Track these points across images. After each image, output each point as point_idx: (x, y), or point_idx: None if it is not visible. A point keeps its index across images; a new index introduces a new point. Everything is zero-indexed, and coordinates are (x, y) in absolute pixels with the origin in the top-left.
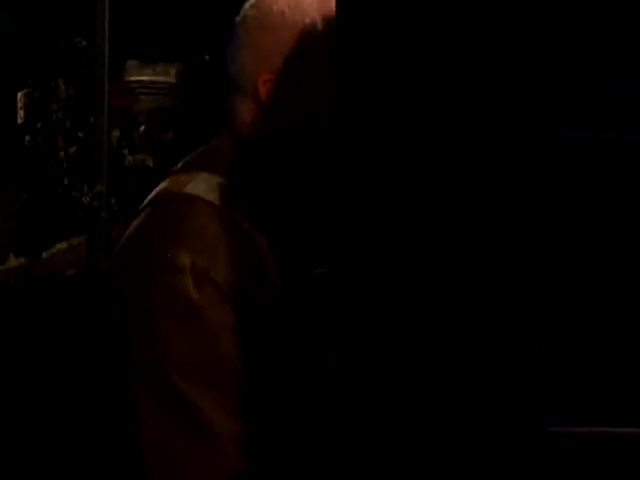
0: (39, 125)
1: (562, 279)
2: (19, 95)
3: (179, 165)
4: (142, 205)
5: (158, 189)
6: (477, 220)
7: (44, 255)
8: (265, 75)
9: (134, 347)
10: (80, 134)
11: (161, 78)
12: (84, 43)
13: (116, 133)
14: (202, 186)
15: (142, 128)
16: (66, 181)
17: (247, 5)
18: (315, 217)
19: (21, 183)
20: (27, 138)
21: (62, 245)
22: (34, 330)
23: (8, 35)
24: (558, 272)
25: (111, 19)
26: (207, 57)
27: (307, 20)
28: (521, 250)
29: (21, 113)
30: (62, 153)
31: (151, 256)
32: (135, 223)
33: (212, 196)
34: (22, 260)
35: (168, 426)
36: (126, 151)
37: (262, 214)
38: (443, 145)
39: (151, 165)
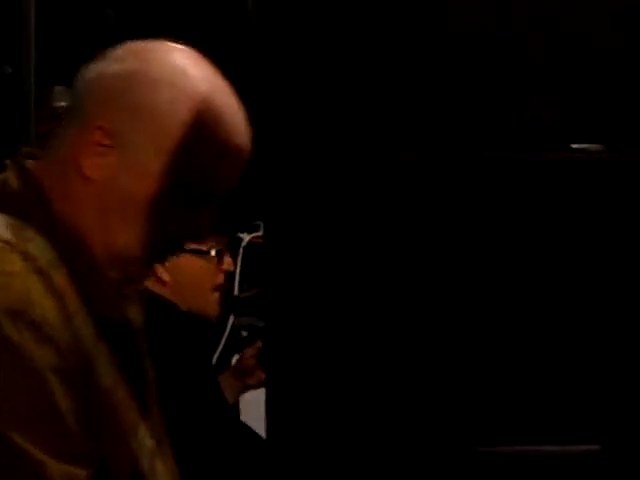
0: None
1: (484, 297)
2: None
3: None
4: None
5: None
6: (398, 237)
7: None
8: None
9: None
10: (7, 161)
11: None
12: (9, 70)
13: None
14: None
15: None
16: None
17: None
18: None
19: None
20: None
21: None
22: None
23: None
24: (480, 290)
25: (37, 46)
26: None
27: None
28: (441, 266)
29: None
30: None
31: None
32: None
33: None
34: None
35: None
36: None
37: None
38: (365, 165)
39: None
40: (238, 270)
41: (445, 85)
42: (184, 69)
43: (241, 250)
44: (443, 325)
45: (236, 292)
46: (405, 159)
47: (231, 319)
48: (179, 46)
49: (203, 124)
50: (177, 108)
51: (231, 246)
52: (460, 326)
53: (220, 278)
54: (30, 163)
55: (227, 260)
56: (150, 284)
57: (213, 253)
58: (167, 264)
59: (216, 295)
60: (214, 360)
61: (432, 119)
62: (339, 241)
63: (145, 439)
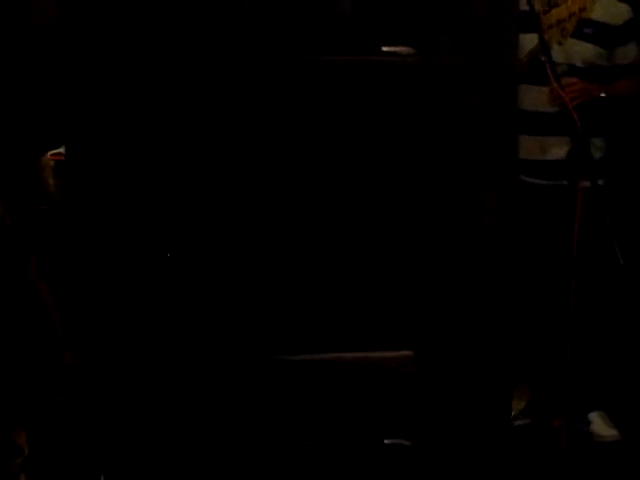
0: None
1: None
2: None
3: None
4: None
5: None
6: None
7: None
8: None
9: None
10: None
11: None
12: None
13: None
14: None
15: None
16: None
17: None
18: None
19: None
20: None
21: None
22: None
23: None
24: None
25: None
26: None
27: None
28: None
29: None
30: None
31: None
32: None
33: None
34: None
35: None
36: None
37: None
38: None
39: None
40: None
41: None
42: None
43: None
44: (241, 236)
45: None
46: (213, 61)
47: None
48: None
49: None
50: None
51: None
52: (264, 239)
53: None
54: None
55: None
56: None
57: None
58: None
59: None
60: None
61: (234, 20)
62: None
63: None
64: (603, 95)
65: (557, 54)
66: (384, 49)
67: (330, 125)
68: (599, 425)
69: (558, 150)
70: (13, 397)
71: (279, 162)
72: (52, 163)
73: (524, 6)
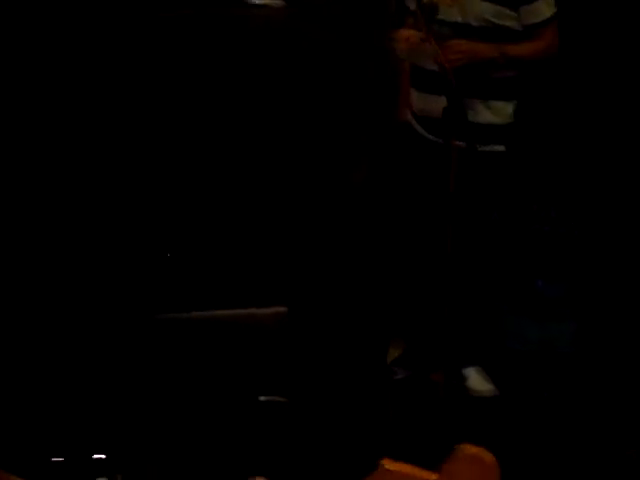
0: None
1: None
2: None
3: None
4: None
5: None
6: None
7: None
8: None
9: None
10: None
11: None
12: None
13: None
14: None
15: None
16: None
17: None
18: None
19: None
20: None
21: None
22: None
23: None
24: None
25: None
26: None
27: None
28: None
29: None
30: None
31: None
32: None
33: None
34: None
35: None
36: None
37: None
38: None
39: None
40: None
41: None
42: None
43: None
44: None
45: None
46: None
47: None
48: None
49: None
50: None
51: None
52: (131, 200)
53: None
54: None
55: None
56: None
57: None
58: None
59: None
60: None
61: None
62: None
63: None
64: (497, 57)
65: (452, 12)
66: (255, 1)
67: (206, 76)
68: (475, 380)
69: (437, 108)
70: None
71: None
72: None
73: None
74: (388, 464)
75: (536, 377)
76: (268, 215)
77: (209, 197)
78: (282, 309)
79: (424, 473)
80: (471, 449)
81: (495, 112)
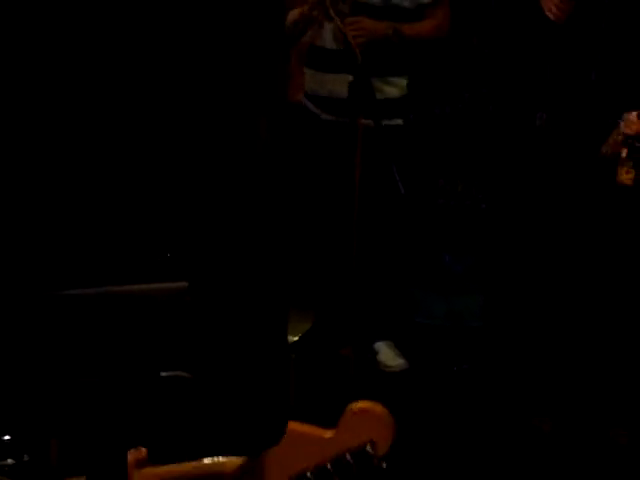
0: None
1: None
2: None
3: None
4: None
5: None
6: None
7: None
8: None
9: None
10: None
11: None
12: None
13: None
14: None
15: None
16: None
17: None
18: None
19: None
20: None
21: None
22: None
23: None
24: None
25: None
26: None
27: None
28: None
29: None
30: None
31: None
32: None
33: None
34: None
35: None
36: None
37: None
38: None
39: None
40: None
41: None
42: None
43: None
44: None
45: None
46: None
47: None
48: None
49: None
50: None
51: None
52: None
53: None
54: None
55: None
56: None
57: None
58: None
59: None
60: None
61: None
62: None
63: None
64: (391, 35)
65: None
66: None
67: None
68: (386, 355)
69: (339, 87)
70: None
71: None
72: None
73: None
74: None
75: (445, 351)
76: (163, 184)
77: (104, 165)
78: (182, 284)
79: (320, 431)
80: (363, 404)
81: (392, 87)
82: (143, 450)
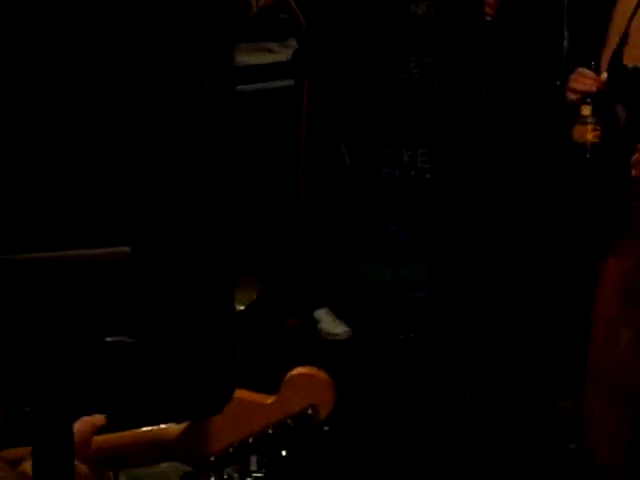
0: None
1: None
2: None
3: None
4: None
5: None
6: None
7: None
8: None
9: None
10: None
11: None
12: None
13: None
14: None
15: None
16: None
17: None
18: None
19: None
20: None
21: None
22: None
23: None
24: None
25: None
26: None
27: None
28: None
29: None
30: None
31: None
32: None
33: None
34: None
35: None
36: None
37: None
38: None
39: None
40: None
41: None
42: None
43: None
44: None
45: None
46: None
47: None
48: None
49: None
50: None
51: None
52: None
53: None
54: None
55: None
56: None
57: None
58: None
59: None
60: None
61: None
62: None
63: None
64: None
65: None
66: None
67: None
68: (327, 323)
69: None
70: None
71: None
72: None
73: None
74: None
75: (391, 320)
76: (105, 149)
77: (44, 129)
78: (125, 249)
79: (261, 397)
80: (303, 369)
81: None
82: (101, 417)
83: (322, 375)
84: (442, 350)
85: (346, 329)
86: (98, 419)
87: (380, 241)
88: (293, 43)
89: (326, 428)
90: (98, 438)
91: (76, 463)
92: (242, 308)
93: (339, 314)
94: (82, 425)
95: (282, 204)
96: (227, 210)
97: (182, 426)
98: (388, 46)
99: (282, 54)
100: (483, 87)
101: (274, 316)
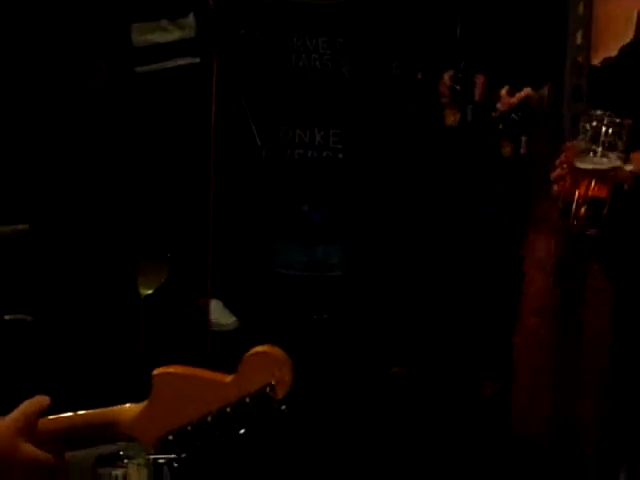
0: None
1: None
2: None
3: None
4: None
5: None
6: None
7: None
8: None
9: None
10: None
11: None
12: None
13: None
14: None
15: None
16: None
17: None
18: None
19: None
20: None
21: None
22: None
23: None
24: None
25: None
26: None
27: None
28: None
29: None
30: None
31: None
32: None
33: None
34: None
35: None
36: None
37: None
38: None
39: None
40: None
41: None
42: None
43: None
44: None
45: None
46: None
47: None
48: None
49: None
50: None
51: None
52: None
53: None
54: None
55: None
56: None
57: None
58: None
59: None
60: None
61: None
62: None
63: None
64: None
65: None
66: None
67: None
68: (217, 313)
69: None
70: None
71: None
72: None
73: None
74: (181, 369)
75: (305, 300)
76: (3, 130)
77: None
78: (23, 226)
79: (220, 375)
80: (262, 347)
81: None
82: (46, 399)
83: (280, 353)
84: (356, 330)
85: (234, 319)
86: (44, 400)
87: (293, 222)
88: (188, 21)
89: (284, 407)
90: (47, 419)
91: (23, 444)
92: (149, 292)
93: (253, 296)
94: (28, 406)
95: (193, 187)
96: (126, 187)
97: (140, 405)
98: (298, 27)
99: (175, 33)
100: (394, 65)
101: (186, 298)
